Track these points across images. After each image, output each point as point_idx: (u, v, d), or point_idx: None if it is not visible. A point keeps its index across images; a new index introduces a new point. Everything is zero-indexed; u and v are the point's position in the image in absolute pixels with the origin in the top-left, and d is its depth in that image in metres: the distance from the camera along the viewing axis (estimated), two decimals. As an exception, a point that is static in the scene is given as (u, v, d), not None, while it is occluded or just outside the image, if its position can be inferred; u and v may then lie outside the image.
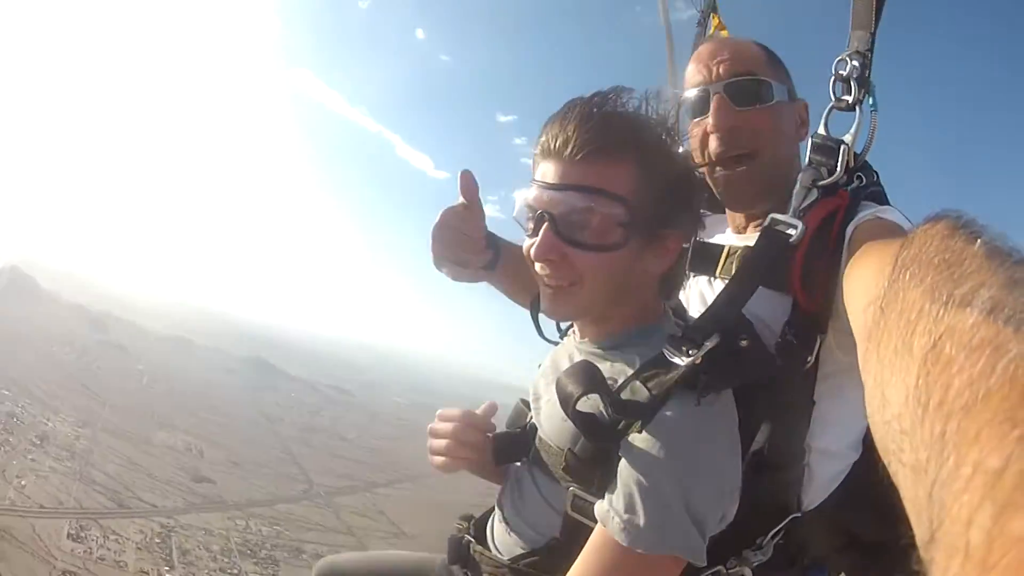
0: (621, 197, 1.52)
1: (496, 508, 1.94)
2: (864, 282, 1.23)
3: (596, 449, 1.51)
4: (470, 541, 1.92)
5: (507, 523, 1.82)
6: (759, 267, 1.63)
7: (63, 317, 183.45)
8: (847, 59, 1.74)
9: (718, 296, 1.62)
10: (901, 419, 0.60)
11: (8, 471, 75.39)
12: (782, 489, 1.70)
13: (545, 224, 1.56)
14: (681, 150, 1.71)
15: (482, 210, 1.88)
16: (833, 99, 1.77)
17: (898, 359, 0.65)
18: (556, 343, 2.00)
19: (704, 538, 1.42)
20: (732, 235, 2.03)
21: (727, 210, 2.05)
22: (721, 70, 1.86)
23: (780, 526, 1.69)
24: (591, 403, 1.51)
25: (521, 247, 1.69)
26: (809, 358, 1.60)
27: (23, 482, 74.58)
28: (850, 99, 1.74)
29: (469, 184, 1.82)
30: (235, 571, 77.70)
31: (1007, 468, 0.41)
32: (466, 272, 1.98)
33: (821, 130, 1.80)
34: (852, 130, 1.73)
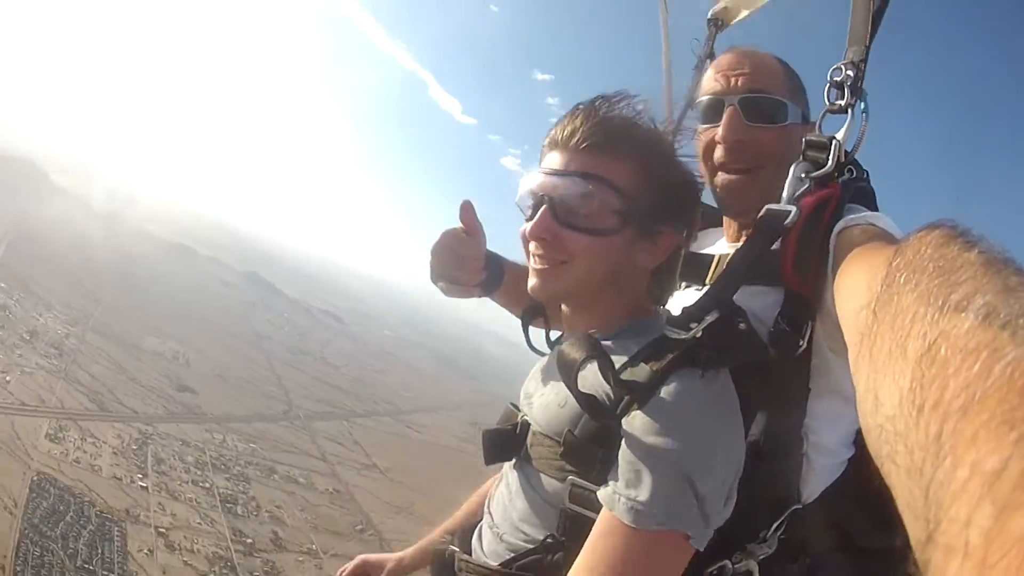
0: (618, 187, 1.56)
1: (485, 516, 1.87)
2: (857, 287, 1.22)
3: (598, 428, 1.49)
4: (454, 551, 1.85)
5: (496, 529, 1.76)
6: (756, 248, 1.65)
7: (70, 214, 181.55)
8: (842, 67, 1.79)
9: (718, 278, 1.69)
10: (895, 421, 0.59)
11: (-6, 366, 74.29)
12: (781, 479, 1.68)
13: (544, 206, 1.60)
14: (681, 153, 1.74)
15: (482, 236, 1.95)
16: (827, 104, 1.81)
17: (891, 362, 0.65)
18: (545, 354, 1.96)
19: (710, 515, 1.39)
20: (725, 244, 2.04)
21: (724, 218, 2.07)
22: (739, 82, 1.88)
23: (782, 518, 1.68)
24: (591, 384, 1.52)
25: (525, 268, 1.74)
26: (801, 342, 1.60)
27: (8, 378, 73.92)
28: (843, 103, 1.78)
29: (469, 215, 1.90)
30: (207, 484, 77.55)
31: (1006, 469, 0.40)
32: (457, 289, 2.03)
33: (816, 131, 1.84)
34: (844, 128, 1.78)
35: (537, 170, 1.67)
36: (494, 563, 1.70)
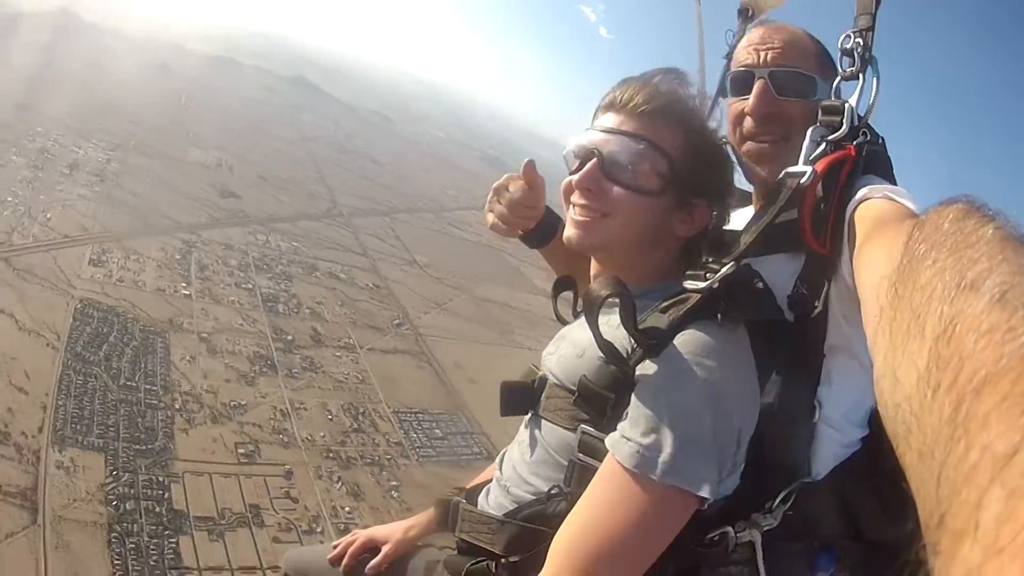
0: (666, 152, 1.59)
1: (495, 473, 1.87)
2: (876, 261, 1.19)
3: (612, 375, 1.48)
4: (459, 502, 1.87)
5: (504, 483, 1.76)
6: (773, 207, 1.61)
7: (106, 46, 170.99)
8: (851, 35, 1.77)
9: (738, 236, 1.66)
10: (911, 401, 0.57)
11: (34, 207, 69.08)
12: (792, 447, 1.64)
13: (593, 159, 1.62)
14: (715, 126, 1.77)
15: (541, 191, 2.00)
16: (841, 71, 1.80)
17: (910, 340, 0.62)
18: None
19: (718, 469, 1.37)
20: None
21: (753, 194, 2.05)
22: (769, 56, 1.88)
23: (790, 489, 1.62)
24: (611, 335, 1.49)
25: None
26: (817, 304, 1.59)
27: (48, 215, 68.73)
28: (854, 69, 1.77)
29: (530, 172, 1.97)
30: (249, 285, 74.53)
31: (1016, 453, 0.39)
32: (501, 228, 2.06)
33: (831, 97, 1.82)
34: (855, 94, 1.76)
35: (589, 128, 1.69)
36: (498, 514, 1.69)
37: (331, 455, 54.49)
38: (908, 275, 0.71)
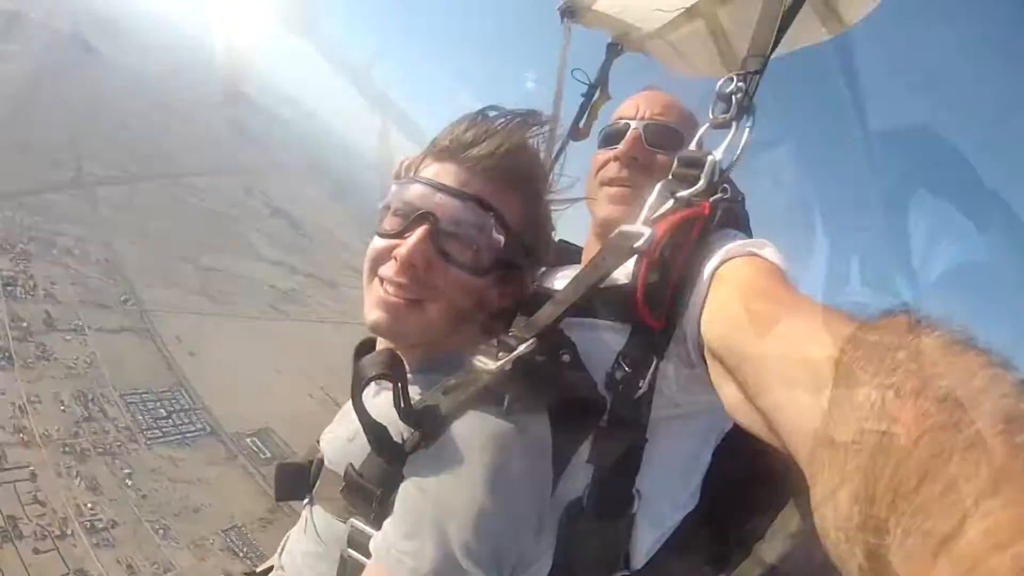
0: (508, 226, 1.28)
1: (275, 559, 1.58)
2: (791, 376, 0.89)
3: (381, 468, 1.17)
4: None
5: (282, 572, 1.47)
6: (593, 273, 1.26)
7: None
8: (733, 78, 1.36)
9: (546, 304, 1.28)
10: (849, 520, 0.58)
11: None
12: (608, 542, 1.40)
13: (425, 226, 1.23)
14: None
15: None
16: (711, 117, 1.40)
17: (849, 459, 0.62)
18: None
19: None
20: None
21: (584, 253, 1.88)
22: (648, 113, 1.75)
23: None
24: (384, 415, 1.15)
25: None
26: (641, 383, 1.30)
27: None
28: (727, 116, 1.36)
29: None
30: None
31: (958, 532, 0.44)
32: None
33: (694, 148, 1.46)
34: (724, 144, 1.37)
35: (417, 180, 1.29)
36: None
37: (67, 449, 52.51)
38: (843, 400, 0.69)
